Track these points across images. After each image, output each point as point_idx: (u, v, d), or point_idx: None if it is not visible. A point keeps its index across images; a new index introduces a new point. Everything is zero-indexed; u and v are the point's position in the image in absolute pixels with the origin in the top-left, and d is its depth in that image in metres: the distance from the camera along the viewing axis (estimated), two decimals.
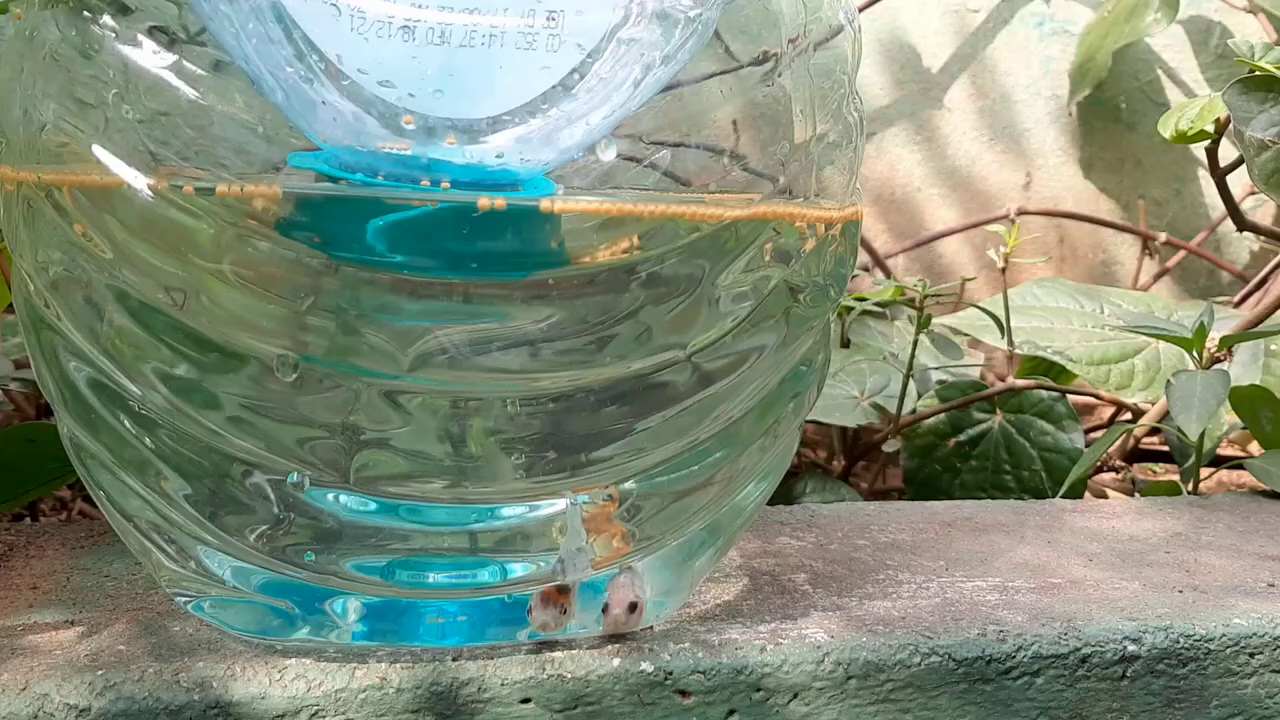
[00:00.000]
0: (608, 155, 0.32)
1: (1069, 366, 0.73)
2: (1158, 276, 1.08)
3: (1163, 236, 1.08)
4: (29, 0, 0.33)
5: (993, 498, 0.70)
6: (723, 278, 0.34)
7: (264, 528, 0.33)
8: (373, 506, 0.34)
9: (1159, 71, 1.12)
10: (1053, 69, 1.10)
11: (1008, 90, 1.10)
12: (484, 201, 0.30)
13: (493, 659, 0.35)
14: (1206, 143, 0.63)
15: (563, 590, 0.35)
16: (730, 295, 0.34)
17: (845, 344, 0.79)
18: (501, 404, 0.33)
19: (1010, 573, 0.45)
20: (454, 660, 0.35)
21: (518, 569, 0.35)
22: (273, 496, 0.33)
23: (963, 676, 0.37)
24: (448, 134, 0.32)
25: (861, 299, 0.79)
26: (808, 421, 0.85)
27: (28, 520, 0.60)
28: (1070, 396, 0.72)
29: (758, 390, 0.36)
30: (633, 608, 0.36)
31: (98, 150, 0.31)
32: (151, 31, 0.31)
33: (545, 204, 0.31)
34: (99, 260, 0.31)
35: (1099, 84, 1.08)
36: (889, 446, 0.69)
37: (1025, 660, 0.38)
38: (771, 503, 0.54)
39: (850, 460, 0.77)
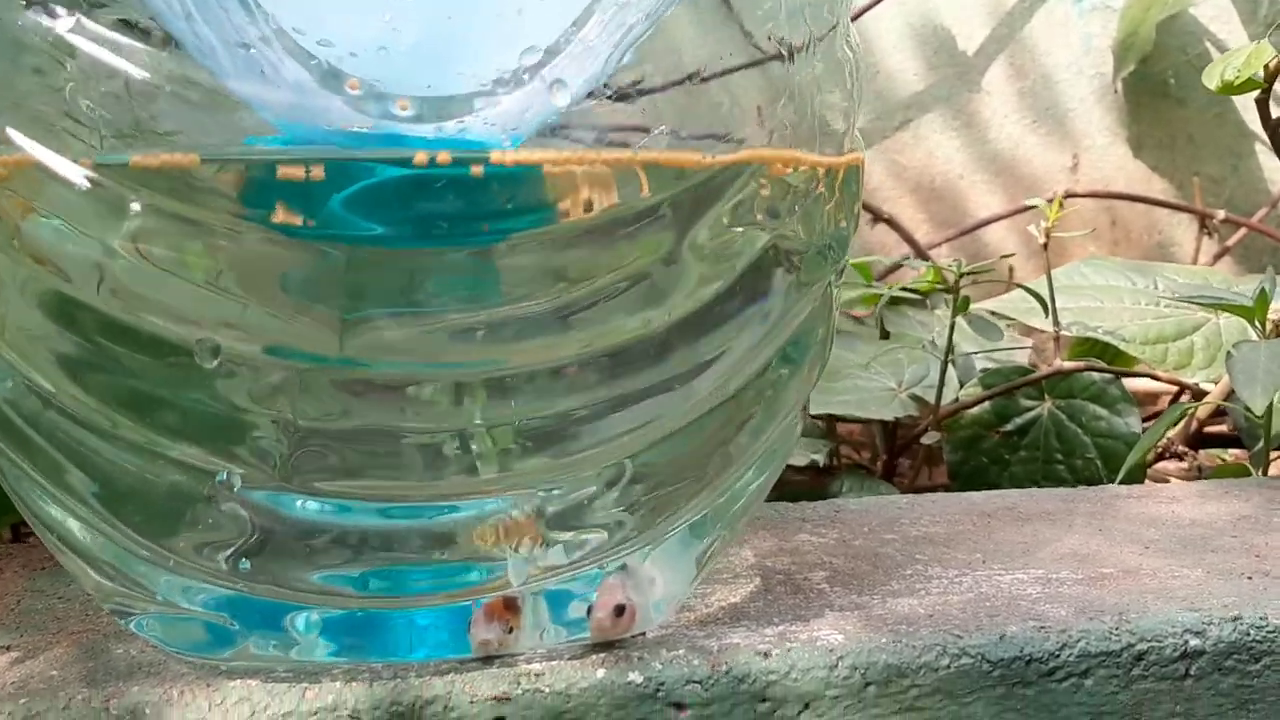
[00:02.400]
0: (561, 100, 0.28)
1: (1122, 347, 0.68)
2: (1218, 256, 1.03)
3: (1221, 214, 1.02)
4: None
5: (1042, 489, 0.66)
6: (700, 237, 0.30)
7: (198, 535, 0.30)
8: (329, 508, 0.31)
9: (1207, 44, 1.07)
10: (1094, 45, 1.06)
11: (1048, 70, 1.06)
12: (421, 157, 0.27)
13: (462, 673, 0.31)
14: (1256, 94, 0.58)
15: (510, 603, 0.31)
16: (710, 258, 0.30)
17: (884, 335, 0.75)
18: (461, 387, 0.30)
19: (1055, 564, 0.40)
20: (418, 676, 0.31)
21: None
22: (210, 500, 0.29)
23: (999, 680, 0.33)
24: (399, 99, 0.28)
25: (899, 288, 0.74)
26: (848, 420, 0.82)
27: None
28: (1125, 382, 0.67)
29: (748, 366, 0.32)
30: (620, 611, 0.32)
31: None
32: None
33: (495, 155, 0.28)
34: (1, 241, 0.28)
35: (1144, 59, 1.04)
36: (928, 438, 0.64)
37: (1071, 659, 0.34)
38: (804, 497, 0.50)
39: (891, 457, 0.73)
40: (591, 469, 0.32)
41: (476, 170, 0.27)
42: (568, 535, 0.32)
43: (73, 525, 0.30)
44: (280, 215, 0.27)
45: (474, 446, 0.30)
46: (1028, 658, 0.33)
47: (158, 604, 0.31)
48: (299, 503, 0.30)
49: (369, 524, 0.31)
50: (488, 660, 0.31)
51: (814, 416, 0.70)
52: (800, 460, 0.64)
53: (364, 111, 0.28)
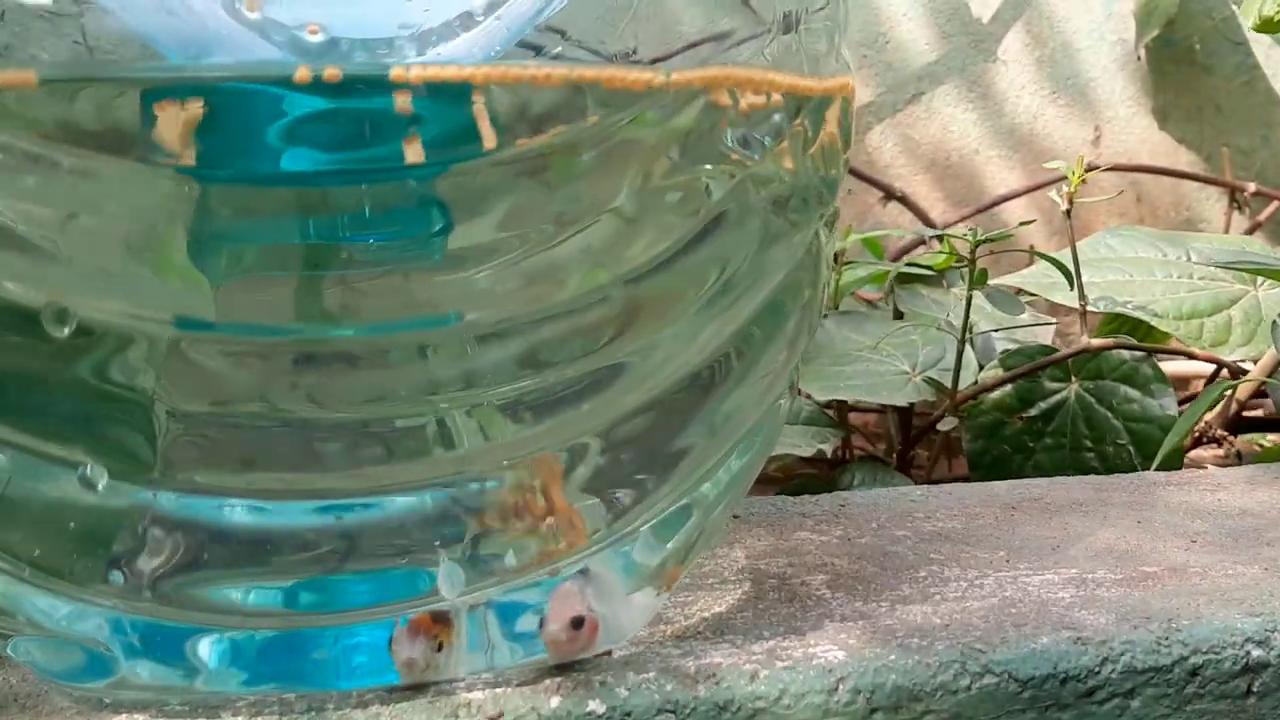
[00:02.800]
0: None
1: (1154, 323, 0.62)
2: (1249, 231, 0.98)
3: (1252, 187, 0.98)
4: None
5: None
6: (657, 176, 0.25)
7: (82, 547, 0.25)
8: (245, 509, 0.26)
9: (1233, 7, 1.02)
10: (1116, 10, 1.01)
11: (1068, 37, 1.01)
12: (302, 73, 0.22)
13: (388, 703, 0.26)
14: None
15: (439, 617, 0.26)
16: (669, 202, 0.25)
17: (897, 315, 0.70)
18: (380, 354, 0.25)
19: (1090, 562, 0.35)
20: (336, 710, 0.26)
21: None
22: (99, 506, 0.24)
23: (1029, 702, 0.28)
24: (309, 24, 0.23)
25: (910, 263, 0.69)
26: (861, 408, 0.77)
27: None
28: (1158, 360, 0.62)
29: (721, 328, 0.27)
30: (578, 624, 0.27)
31: None
32: None
33: (396, 72, 0.23)
34: None
35: (1168, 24, 0.99)
36: (945, 425, 0.59)
37: (1114, 676, 0.28)
38: (811, 491, 0.45)
39: (907, 447, 0.68)
40: (552, 446, 0.27)
41: (397, 73, 0.22)
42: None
43: None
44: (142, 150, 0.22)
45: (397, 424, 0.25)
46: (1063, 675, 0.28)
47: (31, 626, 0.26)
48: (204, 504, 0.25)
49: (297, 525, 0.26)
50: (420, 688, 0.26)
51: (822, 404, 0.65)
52: (806, 450, 0.59)
53: (268, 37, 0.23)
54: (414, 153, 0.23)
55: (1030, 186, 0.96)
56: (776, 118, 0.27)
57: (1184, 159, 1.00)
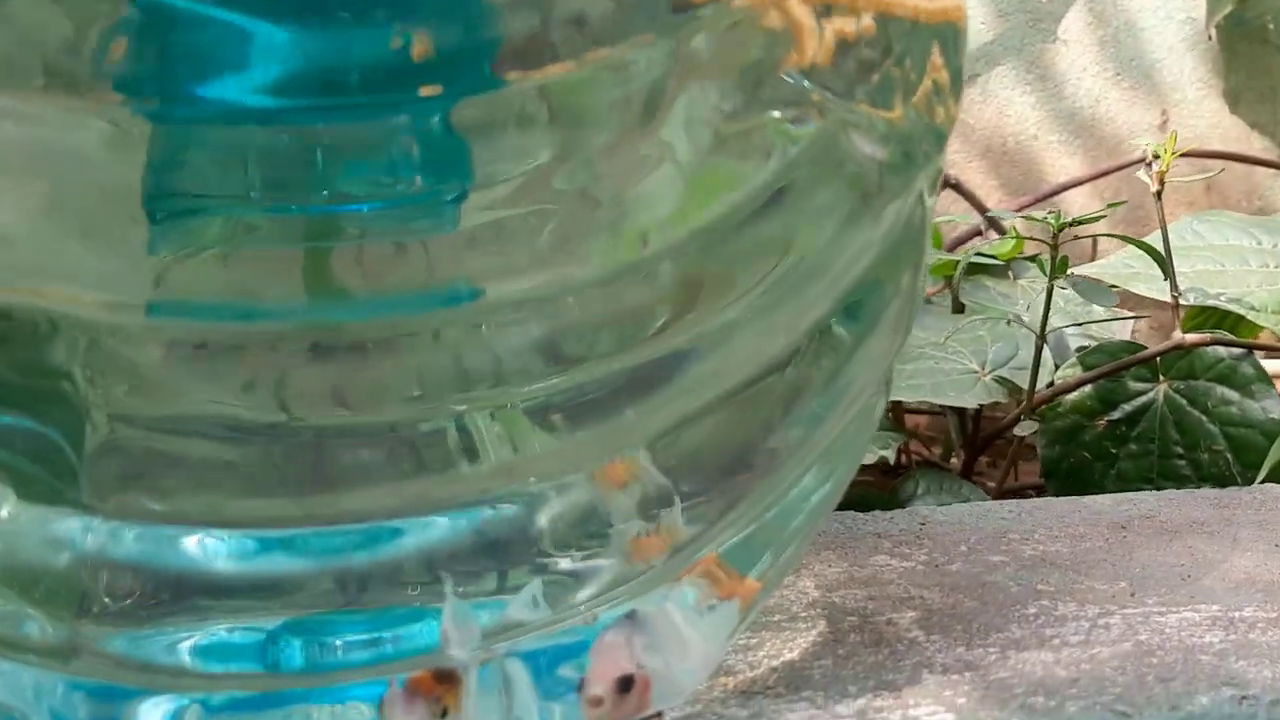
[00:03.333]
0: None
1: (1251, 316, 0.57)
2: None
3: None
4: None
5: (1160, 489, 0.54)
6: (708, 114, 0.20)
7: None
8: (211, 544, 0.21)
9: None
10: None
11: (1132, 16, 0.97)
12: None
13: None
14: None
15: (444, 676, 0.20)
16: (728, 149, 0.20)
17: (957, 309, 0.64)
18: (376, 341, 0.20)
19: (1231, 596, 0.29)
20: None
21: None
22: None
23: None
24: None
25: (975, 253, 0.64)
26: (913, 411, 0.71)
27: None
28: (1258, 355, 0.56)
29: (799, 317, 0.22)
30: (625, 684, 0.22)
31: None
32: None
33: None
34: None
35: (1240, 1, 0.94)
36: (1022, 429, 0.54)
37: None
38: (867, 509, 0.40)
39: (972, 454, 0.62)
40: (592, 461, 0.22)
41: None
42: (569, 560, 0.22)
43: None
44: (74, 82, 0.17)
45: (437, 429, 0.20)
46: None
47: None
48: (150, 534, 0.20)
49: (275, 563, 0.21)
50: None
51: None
52: (869, 457, 0.53)
53: None
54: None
55: (1094, 174, 0.90)
56: (868, 51, 0.22)
57: (1257, 145, 0.95)
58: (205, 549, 0.20)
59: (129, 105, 0.18)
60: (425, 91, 0.18)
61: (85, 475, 0.18)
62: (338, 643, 0.22)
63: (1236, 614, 0.28)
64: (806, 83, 0.21)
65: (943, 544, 0.34)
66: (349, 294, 0.20)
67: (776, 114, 0.21)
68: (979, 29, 0.94)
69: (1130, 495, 0.41)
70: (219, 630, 0.21)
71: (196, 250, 0.19)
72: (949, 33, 0.23)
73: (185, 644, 0.21)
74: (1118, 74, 0.95)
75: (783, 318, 0.22)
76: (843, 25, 0.21)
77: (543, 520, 0.21)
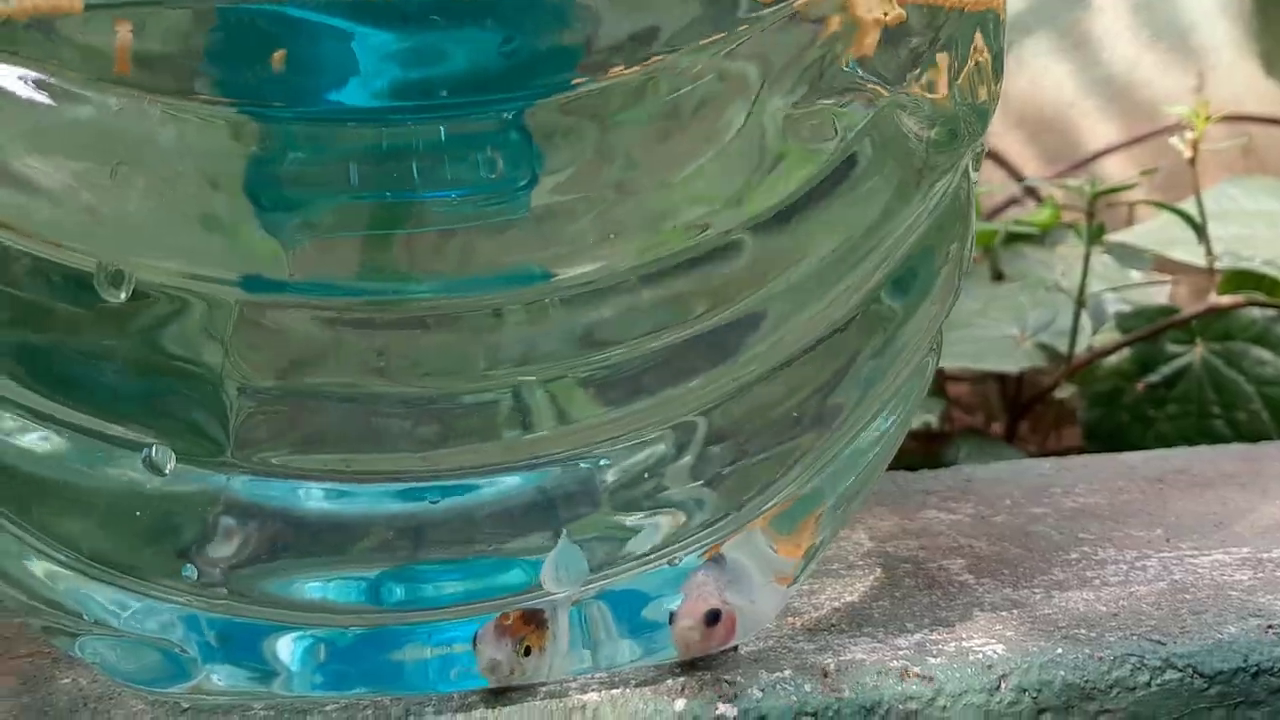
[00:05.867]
0: None
1: None
2: None
3: None
4: None
5: None
6: (778, 101, 0.22)
7: (149, 537, 0.22)
8: (323, 493, 0.23)
9: None
10: None
11: None
12: None
13: (495, 706, 0.23)
14: None
15: (531, 617, 0.23)
16: (791, 135, 0.22)
17: (996, 277, 0.66)
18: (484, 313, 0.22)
19: (1261, 539, 0.31)
20: (436, 714, 0.23)
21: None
22: (167, 492, 0.22)
23: (1218, 699, 0.24)
24: None
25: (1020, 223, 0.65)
26: (958, 377, 0.73)
27: None
28: None
29: (858, 283, 0.24)
30: (713, 618, 0.24)
31: None
32: None
33: None
34: None
35: None
36: (1062, 392, 0.55)
37: None
38: (913, 468, 0.42)
39: (1013, 419, 0.64)
40: (655, 424, 0.24)
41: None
42: (635, 517, 0.24)
43: None
44: (198, 88, 0.19)
45: (501, 399, 0.22)
46: (1254, 668, 0.25)
47: (98, 625, 0.23)
48: (280, 488, 0.22)
49: (383, 511, 0.23)
50: (528, 689, 0.24)
51: None
52: (912, 422, 0.55)
53: None
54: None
55: (1132, 139, 0.91)
56: (918, 40, 0.24)
57: None
58: (323, 499, 0.23)
59: (246, 107, 0.20)
60: (512, 94, 0.21)
61: (231, 438, 0.21)
62: (433, 587, 0.24)
63: (1265, 555, 0.30)
64: (861, 71, 0.23)
65: (988, 498, 0.37)
66: (440, 275, 0.22)
67: (835, 100, 0.23)
68: None
69: (1166, 451, 0.42)
70: (336, 575, 0.24)
71: (311, 235, 0.21)
72: (990, 18, 0.25)
73: (310, 584, 0.23)
74: (1152, 39, 0.95)
75: (841, 288, 0.24)
76: (896, 17, 0.23)
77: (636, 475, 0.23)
